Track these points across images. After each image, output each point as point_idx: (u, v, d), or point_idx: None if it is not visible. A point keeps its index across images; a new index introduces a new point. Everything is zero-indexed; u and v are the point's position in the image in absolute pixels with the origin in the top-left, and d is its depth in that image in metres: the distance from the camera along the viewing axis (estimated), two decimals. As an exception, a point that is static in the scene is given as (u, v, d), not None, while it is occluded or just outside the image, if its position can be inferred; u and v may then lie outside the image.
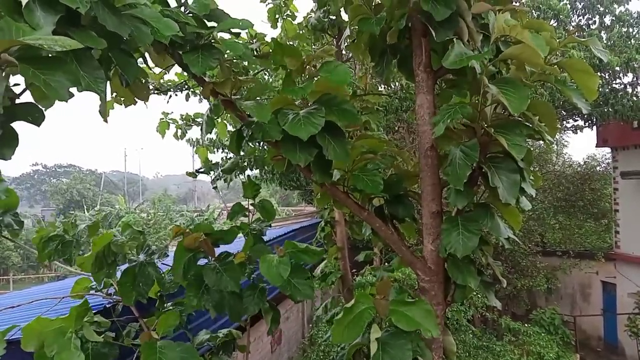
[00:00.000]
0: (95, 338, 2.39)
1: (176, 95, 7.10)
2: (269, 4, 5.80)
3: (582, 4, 12.92)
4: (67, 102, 1.21)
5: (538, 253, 15.57)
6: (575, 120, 14.32)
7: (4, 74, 1.18)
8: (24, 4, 1.22)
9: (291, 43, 5.78)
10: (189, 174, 5.08)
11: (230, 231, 2.56)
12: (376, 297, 1.90)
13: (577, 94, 1.95)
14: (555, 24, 11.82)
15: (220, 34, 2.02)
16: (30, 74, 1.17)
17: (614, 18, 12.54)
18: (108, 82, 1.86)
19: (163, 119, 6.36)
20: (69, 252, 2.89)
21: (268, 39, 3.23)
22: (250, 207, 3.01)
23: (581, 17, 13.13)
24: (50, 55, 1.20)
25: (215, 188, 5.97)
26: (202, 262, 2.44)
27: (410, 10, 2.17)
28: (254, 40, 3.30)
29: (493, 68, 2.08)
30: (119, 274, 2.87)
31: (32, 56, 1.17)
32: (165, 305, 2.97)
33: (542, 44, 1.75)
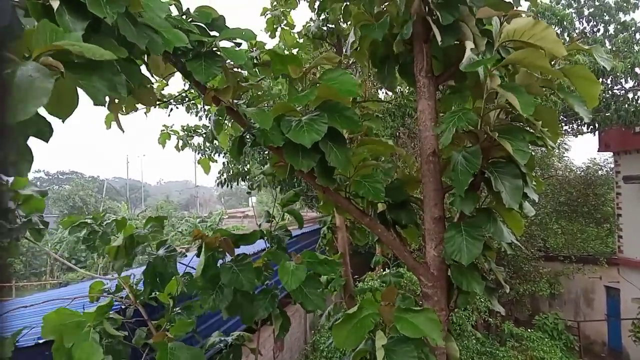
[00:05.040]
0: (113, 333, 2.47)
1: (177, 108, 7.29)
2: (267, 14, 5.87)
3: (588, 11, 12.95)
4: (105, 106, 1.25)
5: (540, 258, 15.52)
6: (577, 125, 14.33)
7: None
8: (55, 7, 1.23)
9: (290, 52, 5.86)
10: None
11: (252, 234, 2.71)
12: (381, 303, 1.90)
13: (578, 101, 1.95)
14: (559, 31, 11.86)
15: (220, 43, 2.02)
16: (70, 80, 1.15)
17: (618, 26, 12.58)
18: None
19: (164, 130, 6.55)
20: (93, 239, 3.13)
21: (267, 47, 3.25)
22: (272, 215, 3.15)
23: (586, 25, 13.17)
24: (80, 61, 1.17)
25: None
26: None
27: (418, 11, 2.15)
28: (254, 49, 3.31)
29: (497, 73, 2.08)
30: (133, 276, 3.06)
31: (66, 61, 1.14)
32: (174, 308, 2.99)
33: (560, 43, 1.75)
